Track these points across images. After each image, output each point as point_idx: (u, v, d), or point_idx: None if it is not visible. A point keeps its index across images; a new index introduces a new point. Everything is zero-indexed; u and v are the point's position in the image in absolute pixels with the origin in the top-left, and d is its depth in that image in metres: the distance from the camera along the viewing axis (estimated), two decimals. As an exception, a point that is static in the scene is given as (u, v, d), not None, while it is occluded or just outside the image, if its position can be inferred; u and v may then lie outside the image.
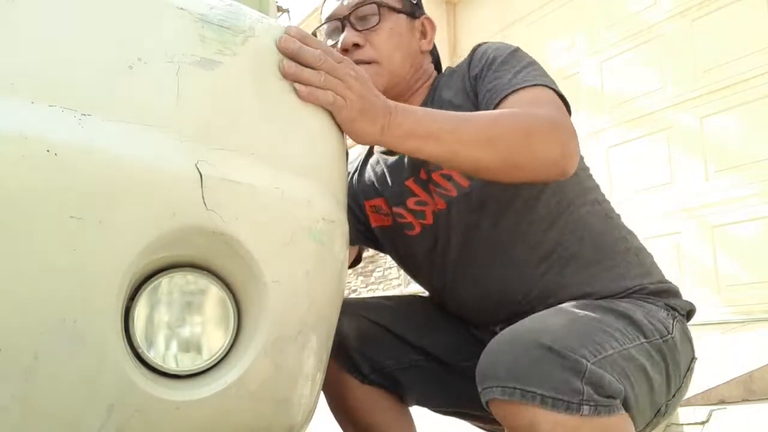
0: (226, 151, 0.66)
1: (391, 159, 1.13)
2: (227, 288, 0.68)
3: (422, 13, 1.16)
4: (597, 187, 1.10)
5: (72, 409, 0.60)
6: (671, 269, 3.36)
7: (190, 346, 0.67)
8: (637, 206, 3.57)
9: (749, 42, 3.19)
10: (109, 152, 0.59)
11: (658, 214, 3.48)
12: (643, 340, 0.88)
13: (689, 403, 1.84)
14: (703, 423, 1.73)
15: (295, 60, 0.74)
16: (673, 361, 0.92)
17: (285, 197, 0.69)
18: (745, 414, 1.68)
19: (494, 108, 0.95)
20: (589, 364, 0.76)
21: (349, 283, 5.51)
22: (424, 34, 1.14)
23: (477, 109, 1.02)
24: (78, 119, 0.59)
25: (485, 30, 4.73)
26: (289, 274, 0.70)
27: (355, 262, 1.27)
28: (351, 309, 1.11)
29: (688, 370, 0.98)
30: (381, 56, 1.07)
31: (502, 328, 1.04)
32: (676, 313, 0.98)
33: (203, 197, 0.63)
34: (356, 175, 1.23)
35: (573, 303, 0.92)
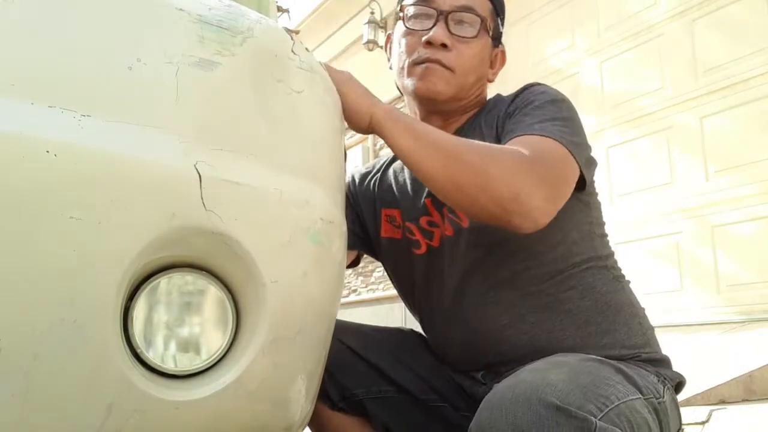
0: (225, 151, 0.66)
1: None
2: (226, 288, 0.69)
3: (500, 43, 1.14)
4: (612, 254, 1.06)
5: (71, 408, 0.61)
6: (671, 269, 3.36)
7: (189, 346, 0.67)
8: (637, 206, 3.57)
9: (749, 42, 3.19)
10: (108, 153, 0.59)
11: (658, 214, 3.48)
12: (639, 395, 0.84)
13: (689, 403, 1.84)
14: (703, 423, 1.73)
15: None
16: (665, 425, 0.89)
17: (283, 198, 0.70)
18: (745, 414, 1.68)
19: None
20: (597, 421, 0.72)
21: (348, 283, 5.50)
22: (492, 64, 1.12)
23: (498, 135, 1.00)
24: (78, 120, 0.59)
25: (485, 30, 4.73)
26: (287, 274, 0.70)
27: (354, 263, 1.25)
28: None
29: None
30: (460, 68, 1.04)
31: (483, 376, 1.03)
32: (666, 382, 0.96)
33: (202, 198, 0.63)
34: (377, 179, 1.20)
35: (567, 355, 0.88)
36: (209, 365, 0.68)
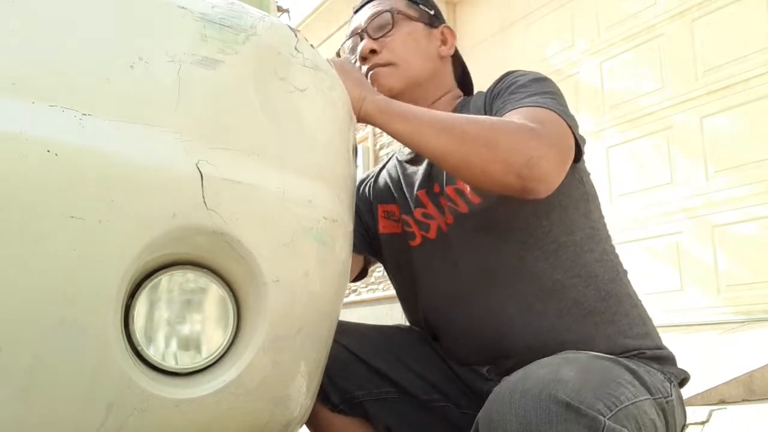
0: (226, 150, 0.66)
1: (411, 168, 1.13)
2: (227, 286, 0.69)
3: (441, 22, 1.17)
4: (609, 237, 1.07)
5: (72, 407, 0.60)
6: (671, 269, 3.36)
7: (190, 344, 0.67)
8: (637, 206, 3.57)
9: (749, 42, 3.19)
10: (109, 152, 0.59)
11: (658, 214, 3.48)
12: (649, 396, 0.84)
13: (689, 403, 1.83)
14: (703, 423, 1.73)
15: None
16: (672, 424, 0.89)
17: (286, 197, 0.69)
18: (745, 414, 1.68)
19: None
20: (606, 420, 0.71)
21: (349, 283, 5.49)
22: (444, 42, 1.16)
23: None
24: (78, 119, 0.59)
25: (485, 30, 4.73)
26: (289, 273, 0.70)
27: (361, 274, 1.24)
28: None
29: None
30: (397, 59, 1.10)
31: (488, 371, 1.02)
32: (673, 380, 0.96)
33: (204, 197, 0.63)
34: (371, 183, 1.23)
35: (578, 352, 0.88)
36: (210, 363, 0.68)
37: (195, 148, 0.64)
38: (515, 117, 0.90)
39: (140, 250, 0.61)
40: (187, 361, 0.67)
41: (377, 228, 1.17)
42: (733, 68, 3.25)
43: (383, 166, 1.24)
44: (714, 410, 1.75)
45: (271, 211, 0.68)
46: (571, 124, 0.93)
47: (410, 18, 1.12)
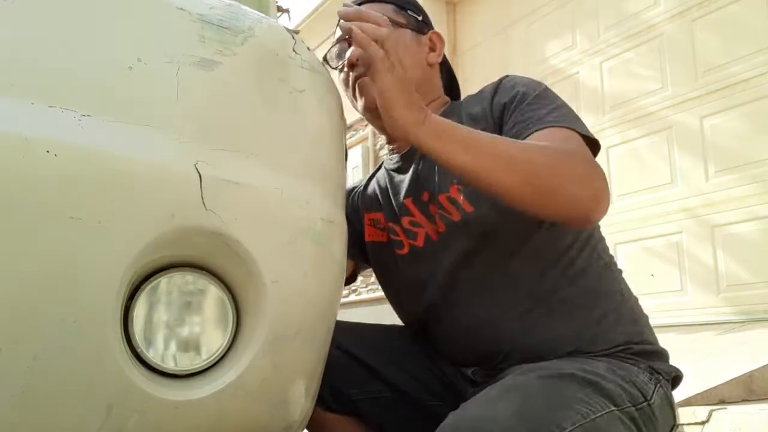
0: (225, 151, 0.66)
1: (398, 176, 1.12)
2: (226, 288, 0.69)
3: (430, 28, 1.15)
4: (602, 239, 1.06)
5: (71, 408, 0.61)
6: (671, 269, 3.36)
7: (189, 345, 0.67)
8: (637, 206, 3.57)
9: (749, 42, 3.19)
10: (108, 153, 0.59)
11: (658, 214, 3.48)
12: (612, 407, 0.82)
13: (689, 403, 1.83)
14: (703, 423, 1.73)
15: (359, 18, 0.78)
16: (650, 429, 0.88)
17: (284, 198, 0.69)
18: (745, 414, 1.68)
19: (525, 137, 0.93)
20: None
21: (349, 283, 5.49)
22: (432, 48, 1.13)
23: (497, 127, 1.00)
24: (78, 120, 0.59)
25: (485, 30, 4.73)
26: (288, 274, 0.70)
27: (350, 279, 1.24)
28: None
29: None
30: None
31: (473, 373, 1.02)
32: (660, 377, 0.94)
33: (202, 198, 0.63)
34: (359, 192, 1.22)
35: (531, 374, 0.86)
36: (209, 365, 0.68)
37: (194, 148, 0.64)
38: (551, 139, 0.90)
39: (139, 251, 0.61)
40: (187, 362, 0.67)
41: (362, 235, 1.17)
42: (733, 68, 3.25)
43: (373, 175, 1.23)
44: (714, 410, 1.75)
45: (269, 211, 0.68)
46: (588, 135, 0.94)
47: (398, 25, 1.09)
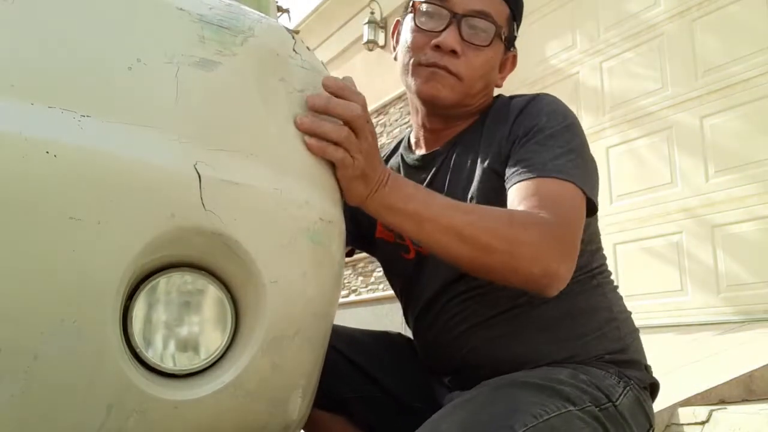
0: (224, 151, 0.66)
1: (416, 176, 1.07)
2: (225, 288, 0.69)
3: (513, 47, 1.10)
4: (601, 265, 1.03)
5: (71, 409, 0.61)
6: (671, 269, 3.36)
7: (188, 345, 0.67)
8: (637, 206, 3.57)
9: (749, 42, 3.19)
10: (108, 153, 0.59)
11: (658, 214, 3.48)
12: (571, 407, 0.82)
13: (689, 403, 1.83)
14: (703, 423, 1.73)
15: (326, 112, 0.74)
16: (619, 430, 0.87)
17: (283, 198, 0.69)
18: (745, 414, 1.68)
19: (516, 183, 0.91)
20: None
21: (348, 283, 5.50)
22: (502, 69, 1.08)
23: (506, 155, 0.96)
24: (77, 120, 0.59)
25: (485, 30, 4.73)
26: (286, 274, 0.70)
27: (348, 254, 1.24)
28: None
29: None
30: (468, 76, 0.99)
31: (450, 381, 1.04)
32: (630, 381, 0.93)
33: (202, 198, 0.63)
34: None
35: (485, 387, 0.87)
36: (208, 365, 0.68)
37: (193, 149, 0.64)
38: (537, 199, 0.87)
39: (139, 251, 0.61)
40: (186, 362, 0.67)
41: (374, 230, 1.15)
42: (733, 68, 3.25)
43: (389, 157, 1.17)
44: (714, 410, 1.75)
45: (268, 212, 0.68)
46: (592, 195, 0.91)
47: (501, 39, 1.02)
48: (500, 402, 0.80)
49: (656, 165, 3.54)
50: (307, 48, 0.80)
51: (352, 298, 5.45)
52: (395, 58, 1.09)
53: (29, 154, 0.56)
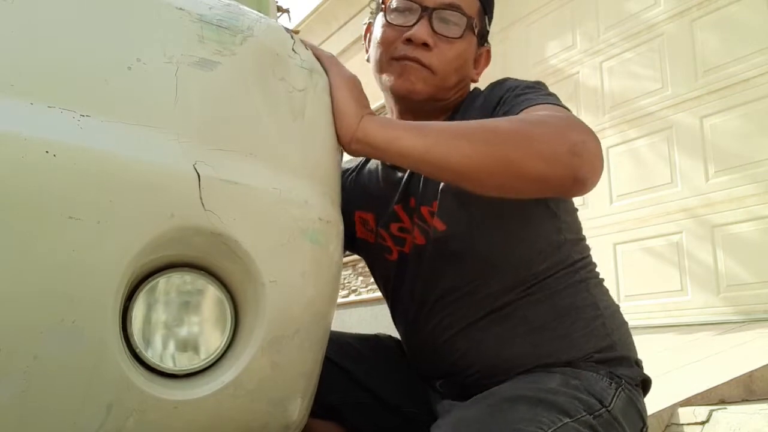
0: (224, 151, 0.66)
1: (394, 175, 1.07)
2: (225, 288, 0.69)
3: (487, 42, 1.09)
4: (584, 257, 1.02)
5: (71, 408, 0.61)
6: (671, 269, 3.36)
7: (188, 345, 0.67)
8: (637, 206, 3.57)
9: (749, 42, 3.19)
10: (107, 153, 0.59)
11: (658, 214, 3.48)
12: (566, 420, 0.81)
13: (689, 403, 1.83)
14: (703, 423, 1.73)
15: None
16: None
17: (282, 198, 0.70)
18: (745, 414, 1.68)
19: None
20: None
21: (348, 283, 5.50)
22: (477, 64, 1.08)
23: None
24: (77, 120, 0.59)
25: (485, 30, 4.73)
26: (286, 274, 0.70)
27: None
28: None
29: None
30: (441, 69, 0.98)
31: (441, 385, 1.03)
32: (622, 381, 0.93)
33: (201, 198, 0.63)
34: (353, 178, 1.16)
35: (477, 405, 0.85)
36: (208, 365, 0.68)
37: (192, 149, 0.64)
38: (537, 111, 0.84)
39: (139, 251, 0.61)
40: (185, 362, 0.67)
41: (354, 231, 1.13)
42: (733, 68, 3.25)
43: (365, 164, 1.15)
44: (714, 410, 1.75)
45: (268, 211, 0.68)
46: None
47: (474, 32, 1.02)
48: (495, 424, 0.79)
49: (656, 165, 3.54)
50: (306, 48, 0.80)
51: (352, 298, 5.45)
52: (367, 60, 1.08)
53: (29, 153, 0.56)
